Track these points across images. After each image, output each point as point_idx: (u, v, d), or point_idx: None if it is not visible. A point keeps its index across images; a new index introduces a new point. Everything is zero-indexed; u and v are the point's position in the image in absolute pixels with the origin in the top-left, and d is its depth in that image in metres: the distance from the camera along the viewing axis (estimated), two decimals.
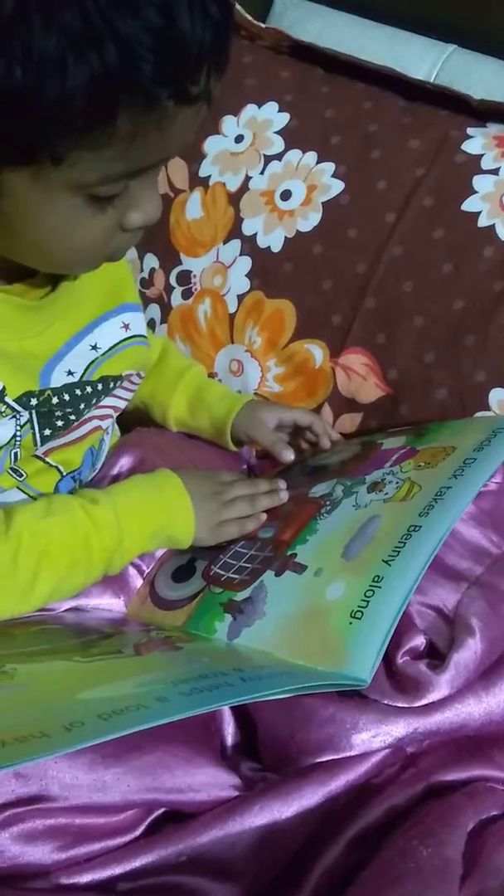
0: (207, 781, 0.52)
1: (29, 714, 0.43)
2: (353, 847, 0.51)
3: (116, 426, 0.78)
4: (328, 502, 0.68)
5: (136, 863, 0.49)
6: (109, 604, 0.68)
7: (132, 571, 0.69)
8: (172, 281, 0.91)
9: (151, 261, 0.92)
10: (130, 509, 0.63)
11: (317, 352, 0.84)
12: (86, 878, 0.48)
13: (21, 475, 0.63)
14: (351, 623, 0.55)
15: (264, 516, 0.70)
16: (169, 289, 0.91)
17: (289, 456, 0.76)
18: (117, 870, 0.48)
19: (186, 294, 0.90)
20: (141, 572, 0.70)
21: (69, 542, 0.59)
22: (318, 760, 0.54)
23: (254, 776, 0.55)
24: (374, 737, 0.54)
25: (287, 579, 0.62)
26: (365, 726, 0.53)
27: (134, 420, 0.81)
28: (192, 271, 0.90)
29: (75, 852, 0.49)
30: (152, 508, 0.65)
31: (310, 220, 0.84)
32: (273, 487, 0.71)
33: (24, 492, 0.65)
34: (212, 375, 0.89)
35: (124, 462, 0.74)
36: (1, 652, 0.55)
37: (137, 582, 0.70)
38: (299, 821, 0.51)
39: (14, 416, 0.58)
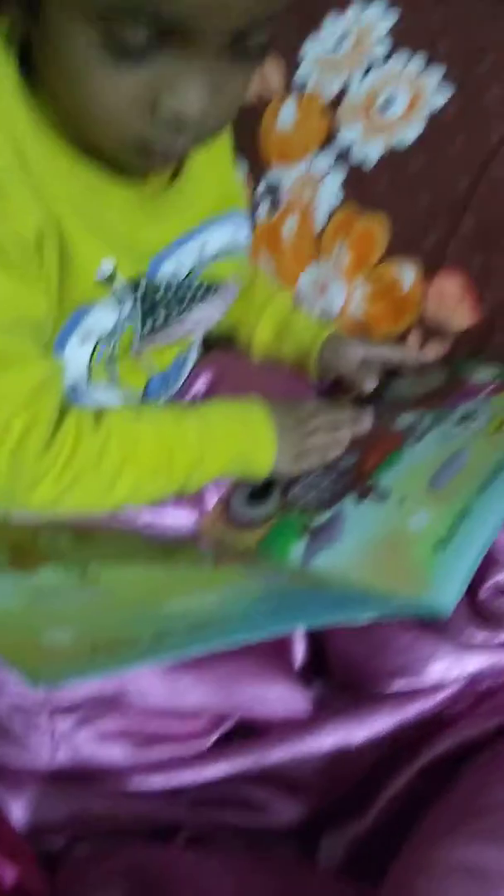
0: (279, 697, 0.52)
1: (118, 617, 0.43)
2: (423, 776, 0.50)
3: (201, 347, 0.77)
4: (414, 432, 0.66)
5: (206, 773, 0.49)
6: (181, 522, 0.68)
7: (210, 487, 0.68)
8: (259, 192, 0.88)
9: (239, 169, 0.89)
10: (215, 431, 0.63)
11: (407, 273, 0.80)
12: (156, 783, 0.49)
13: (114, 371, 0.63)
14: (435, 553, 0.54)
15: (347, 443, 0.68)
16: (255, 200, 0.88)
17: (369, 385, 0.75)
18: (187, 778, 0.49)
19: (273, 206, 0.87)
20: (218, 490, 0.70)
21: (155, 449, 0.60)
22: (392, 688, 0.53)
23: (324, 695, 0.55)
24: (450, 668, 0.52)
25: (368, 506, 0.61)
26: (442, 657, 0.52)
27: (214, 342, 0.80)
28: (280, 182, 0.86)
29: (147, 755, 0.49)
30: (236, 433, 0.64)
31: (410, 132, 0.79)
32: (357, 414, 0.69)
33: (114, 388, 0.65)
34: (295, 294, 0.86)
35: (203, 379, 0.74)
36: (83, 553, 0.55)
37: (214, 498, 0.69)
38: (369, 745, 0.51)
39: (118, 307, 0.58)
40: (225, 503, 0.69)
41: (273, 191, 0.87)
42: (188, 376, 0.74)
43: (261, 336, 0.80)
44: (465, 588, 0.51)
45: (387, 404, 0.74)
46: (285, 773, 0.49)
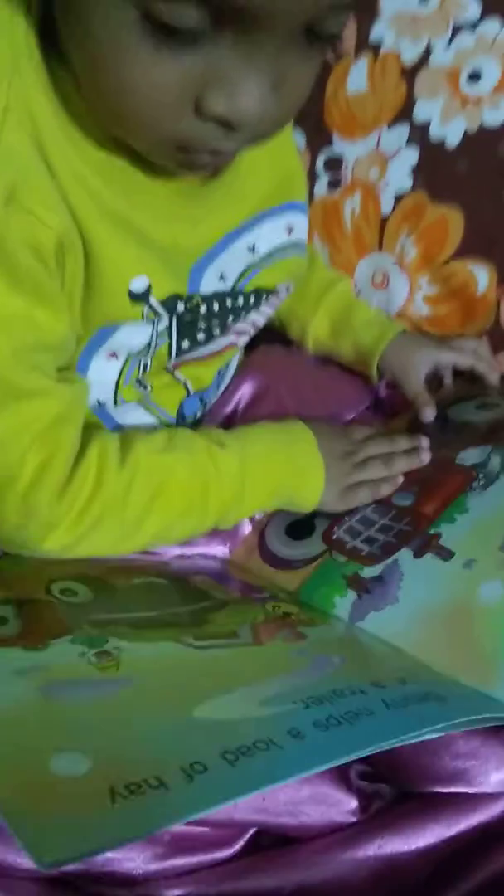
0: (319, 798, 0.45)
1: (139, 737, 0.36)
2: (478, 894, 0.44)
3: None
4: (481, 475, 0.58)
5: (233, 886, 0.43)
6: (213, 550, 0.61)
7: None
8: (319, 166, 0.77)
9: (297, 139, 0.78)
10: (256, 461, 0.55)
11: (482, 275, 0.71)
12: (177, 893, 0.43)
13: (146, 388, 0.56)
14: None
15: (401, 479, 0.60)
16: (313, 175, 0.78)
17: (429, 415, 0.66)
18: (211, 889, 0.43)
19: (334, 184, 0.77)
20: (252, 518, 0.62)
21: (187, 485, 0.52)
22: (446, 791, 0.46)
23: (367, 789, 0.48)
24: None
25: (428, 564, 0.53)
26: None
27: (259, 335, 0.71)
28: (344, 157, 0.76)
29: (169, 864, 0.43)
30: (280, 465, 0.56)
31: (500, 111, 0.69)
32: (413, 445, 0.61)
33: (145, 407, 0.57)
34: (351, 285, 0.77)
35: (245, 389, 0.65)
36: (101, 615, 0.48)
37: (246, 529, 0.62)
38: (422, 860, 0.45)
39: (153, 322, 0.50)
40: (260, 534, 0.62)
41: (334, 166, 0.77)
42: (229, 383, 0.66)
43: (316, 331, 0.71)
44: None
45: (448, 430, 0.66)
46: (328, 889, 0.43)
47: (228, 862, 0.44)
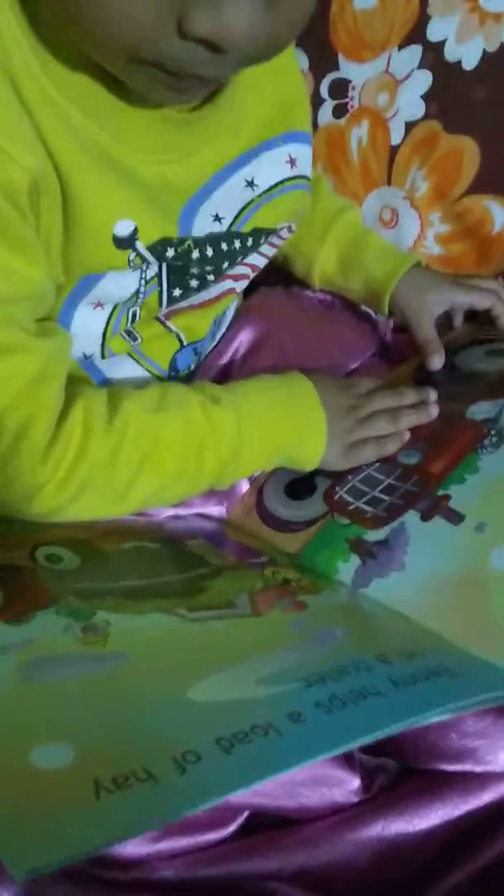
0: (319, 780, 0.43)
1: (127, 723, 0.34)
2: (485, 875, 0.43)
3: None
4: (493, 431, 0.54)
5: (228, 868, 0.41)
6: (209, 510, 0.58)
7: None
8: (323, 91, 0.72)
9: (299, 60, 0.72)
10: (255, 418, 0.51)
11: (498, 212, 0.66)
12: (169, 874, 0.41)
13: (135, 339, 0.52)
14: None
15: (408, 435, 0.56)
16: (317, 101, 0.72)
17: (437, 364, 0.62)
18: (205, 871, 0.41)
19: (340, 111, 0.72)
20: (249, 477, 0.59)
21: (180, 446, 0.49)
22: (452, 769, 0.44)
23: (370, 763, 0.46)
24: None
25: (437, 528, 0.50)
26: None
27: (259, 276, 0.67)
28: (350, 81, 0.71)
29: (163, 845, 0.41)
30: (280, 422, 0.52)
31: None
32: (421, 399, 0.57)
33: (135, 360, 0.54)
34: None
35: (244, 336, 0.61)
36: (88, 584, 0.45)
37: (243, 487, 0.59)
38: (428, 841, 0.43)
39: (141, 269, 0.46)
40: (258, 493, 0.59)
41: (340, 91, 0.71)
42: (226, 331, 0.62)
43: (323, 266, 0.66)
44: None
45: (456, 379, 0.62)
46: (328, 873, 0.41)
47: (223, 844, 0.42)
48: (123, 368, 0.53)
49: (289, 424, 0.53)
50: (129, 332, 0.50)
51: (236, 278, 0.54)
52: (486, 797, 0.44)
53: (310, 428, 0.54)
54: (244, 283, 0.57)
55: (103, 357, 0.50)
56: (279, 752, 0.33)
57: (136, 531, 0.53)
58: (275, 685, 0.37)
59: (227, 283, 0.53)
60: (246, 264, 0.54)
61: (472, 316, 0.65)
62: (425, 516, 0.51)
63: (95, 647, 0.39)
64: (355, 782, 0.44)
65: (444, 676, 0.40)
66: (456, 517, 0.50)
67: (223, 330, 0.60)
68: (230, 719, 0.34)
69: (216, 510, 0.58)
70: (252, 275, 0.57)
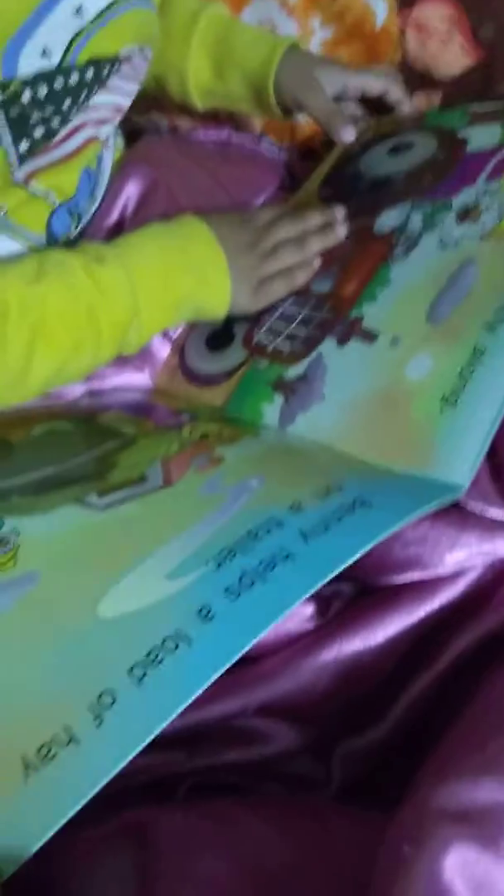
0: None
1: (41, 669, 0.33)
2: (445, 677, 0.44)
3: (121, 139, 0.59)
4: (402, 239, 0.51)
5: (193, 716, 0.42)
6: (130, 381, 0.56)
7: (157, 337, 0.56)
8: None
9: None
10: (147, 271, 0.48)
11: (378, 5, 0.60)
12: None
13: (0, 209, 0.48)
14: (442, 410, 0.43)
15: (318, 262, 0.53)
16: None
17: (349, 136, 0.57)
18: (171, 725, 0.42)
19: None
20: (168, 338, 0.57)
21: (69, 314, 0.46)
22: (403, 581, 0.45)
23: (325, 591, 0.47)
24: (473, 555, 0.43)
25: (353, 351, 0.48)
26: (463, 545, 0.43)
27: (144, 118, 0.62)
28: None
29: None
30: (175, 269, 0.49)
31: None
32: (327, 220, 0.54)
33: (7, 234, 0.50)
34: None
35: (131, 189, 0.57)
36: None
37: (164, 351, 0.57)
38: (384, 654, 0.43)
39: None
40: (179, 353, 0.57)
41: None
42: (112, 183, 0.57)
43: (197, 75, 0.60)
44: (483, 453, 0.41)
45: (362, 189, 0.58)
46: (293, 702, 0.42)
47: None
48: None
49: (186, 270, 0.50)
50: None
51: (97, 123, 0.50)
52: (437, 601, 0.44)
53: (210, 270, 0.51)
54: (108, 129, 0.52)
55: None
56: (189, 669, 0.32)
57: (47, 415, 0.51)
58: (184, 575, 0.36)
59: (88, 131, 0.49)
60: (100, 106, 0.49)
61: (370, 110, 0.61)
62: (341, 341, 0.49)
63: (5, 567, 0.38)
64: (309, 609, 0.45)
65: (359, 512, 0.38)
66: (370, 337, 0.48)
67: (103, 187, 0.56)
68: (141, 637, 0.33)
69: (138, 378, 0.56)
70: (115, 118, 0.52)
